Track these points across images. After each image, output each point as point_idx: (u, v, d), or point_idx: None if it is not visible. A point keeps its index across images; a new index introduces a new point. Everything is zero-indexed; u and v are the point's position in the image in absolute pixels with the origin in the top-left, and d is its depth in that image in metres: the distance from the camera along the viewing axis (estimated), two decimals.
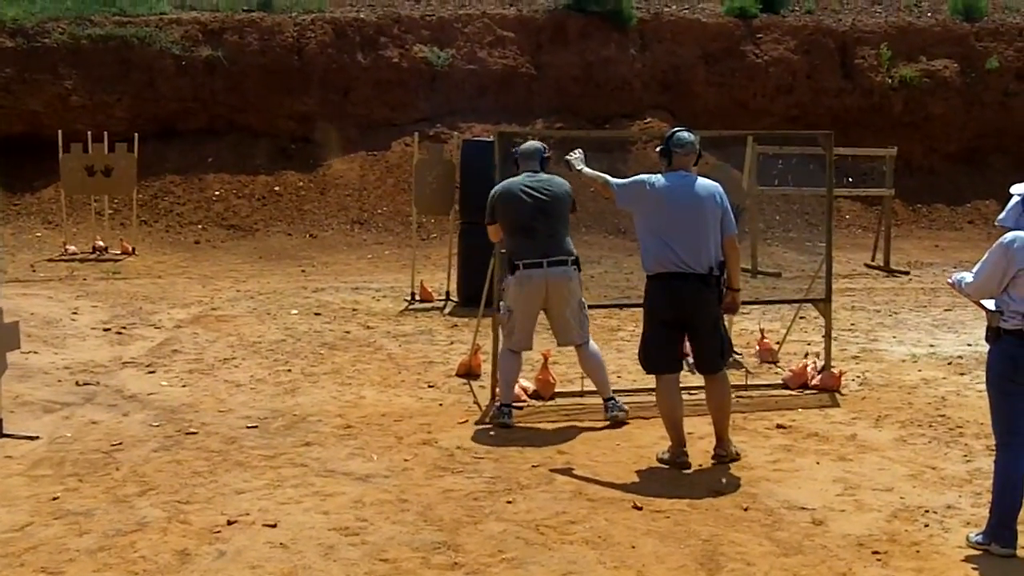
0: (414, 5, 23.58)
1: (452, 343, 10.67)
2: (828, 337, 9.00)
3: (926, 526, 5.73)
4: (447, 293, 13.37)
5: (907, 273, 16.98)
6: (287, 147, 21.87)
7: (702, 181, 6.85)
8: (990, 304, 5.41)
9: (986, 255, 5.37)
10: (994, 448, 5.55)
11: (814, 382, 8.84)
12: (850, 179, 18.55)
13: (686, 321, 6.78)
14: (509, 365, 7.91)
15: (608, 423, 7.74)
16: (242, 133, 21.73)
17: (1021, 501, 5.38)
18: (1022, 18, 24.17)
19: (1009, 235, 5.27)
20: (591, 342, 8.04)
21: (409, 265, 14.46)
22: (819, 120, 22.38)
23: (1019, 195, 5.32)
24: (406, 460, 6.77)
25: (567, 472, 6.58)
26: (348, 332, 11.13)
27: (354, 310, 12.54)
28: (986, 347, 5.46)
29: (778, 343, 10.26)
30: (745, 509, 5.95)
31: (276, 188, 21.10)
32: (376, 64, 22.13)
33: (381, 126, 22.01)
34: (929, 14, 24.40)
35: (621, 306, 12.03)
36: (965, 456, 7.01)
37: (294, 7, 22.72)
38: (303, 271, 16.51)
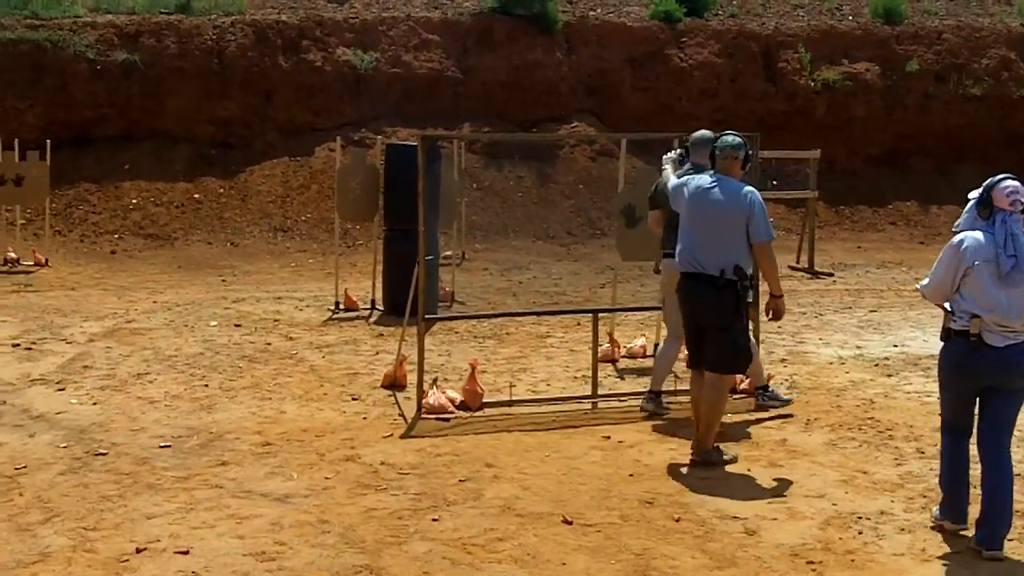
0: (337, 7, 23.26)
1: (377, 353, 10.43)
2: (757, 342, 8.89)
3: (860, 533, 5.63)
4: (372, 302, 13.12)
5: (831, 275, 17.04)
6: (207, 153, 21.42)
7: (733, 185, 6.86)
8: (948, 305, 5.60)
9: (939, 257, 5.58)
10: (920, 452, 5.49)
11: (742, 386, 8.74)
12: (775, 182, 18.56)
13: (698, 319, 6.93)
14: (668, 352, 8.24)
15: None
16: (160, 139, 21.20)
17: (967, 486, 5.66)
18: (941, 21, 24.42)
19: (958, 236, 5.50)
20: None
21: (334, 273, 14.19)
22: (744, 123, 22.30)
23: (972, 199, 5.53)
24: (327, 478, 6.53)
25: (495, 486, 6.38)
26: (269, 344, 10.85)
27: (276, 320, 12.24)
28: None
29: None
30: (677, 520, 5.81)
31: (196, 195, 20.65)
32: (298, 68, 21.76)
33: (304, 131, 21.65)
34: (851, 17, 24.57)
35: (547, 313, 11.81)
36: (896, 460, 6.94)
37: (213, 9, 22.29)
38: (223, 280, 16.17)
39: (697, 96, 23.04)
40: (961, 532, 5.68)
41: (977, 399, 5.61)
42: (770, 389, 8.26)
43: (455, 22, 22.87)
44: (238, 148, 21.58)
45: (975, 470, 5.70)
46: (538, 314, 11.66)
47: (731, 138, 6.96)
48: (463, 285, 14.97)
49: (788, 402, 8.19)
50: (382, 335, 11.29)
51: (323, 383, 9.17)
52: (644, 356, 10.32)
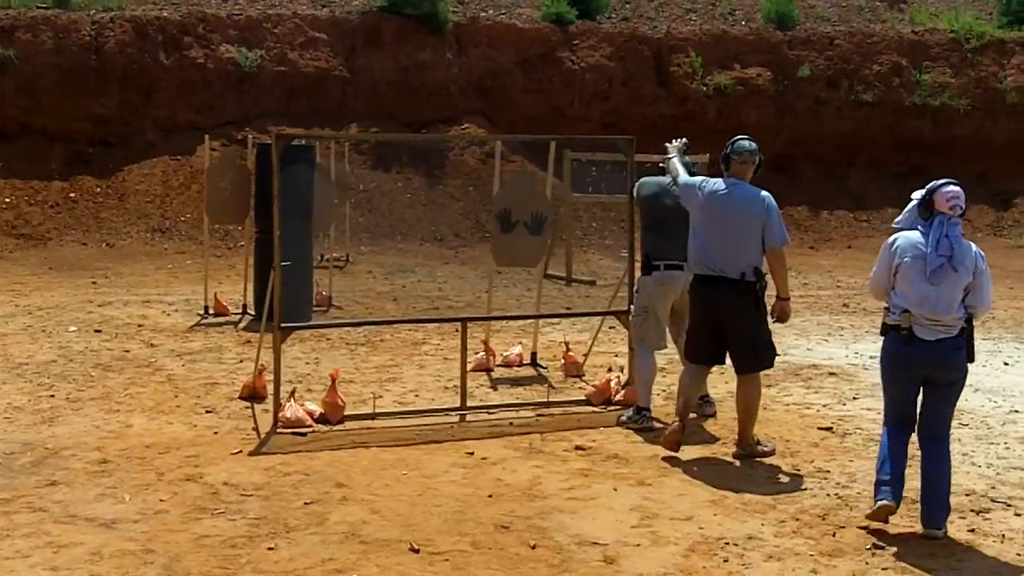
0: (221, 4, 22.63)
1: (241, 361, 9.93)
2: (631, 350, 8.59)
3: (725, 561, 5.30)
4: (244, 306, 12.59)
5: None
6: (84, 151, 20.70)
7: (750, 190, 6.97)
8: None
9: (878, 255, 5.90)
10: (796, 469, 5.23)
11: (618, 398, 8.43)
12: None
13: (717, 322, 6.98)
14: (645, 366, 7.96)
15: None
16: (35, 136, 20.47)
17: (902, 474, 5.83)
18: (833, 27, 24.52)
19: (892, 236, 5.85)
20: None
21: (211, 276, 13.61)
22: (635, 127, 22.10)
23: (915, 199, 5.79)
24: (162, 500, 6.03)
25: (343, 509, 5.94)
26: (128, 351, 10.28)
27: (140, 326, 11.66)
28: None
29: (584, 355, 9.85)
30: (533, 547, 5.42)
31: (71, 195, 19.91)
32: (180, 65, 21.17)
33: (185, 130, 20.96)
34: (743, 22, 24.56)
35: (412, 321, 11.36)
36: (769, 477, 6.66)
37: (92, 4, 21.49)
38: (94, 283, 15.48)
39: (588, 99, 22.84)
40: (889, 506, 5.74)
41: (918, 392, 5.84)
42: (644, 413, 7.87)
43: (343, 20, 22.39)
44: (117, 146, 20.88)
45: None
46: (403, 322, 11.20)
47: (747, 143, 7.06)
48: (343, 289, 14.52)
49: (651, 430, 7.74)
50: (249, 342, 10.76)
51: (178, 394, 8.65)
52: (520, 365, 9.97)
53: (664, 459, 6.98)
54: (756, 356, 7.03)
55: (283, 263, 7.90)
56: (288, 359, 9.99)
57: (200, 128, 20.76)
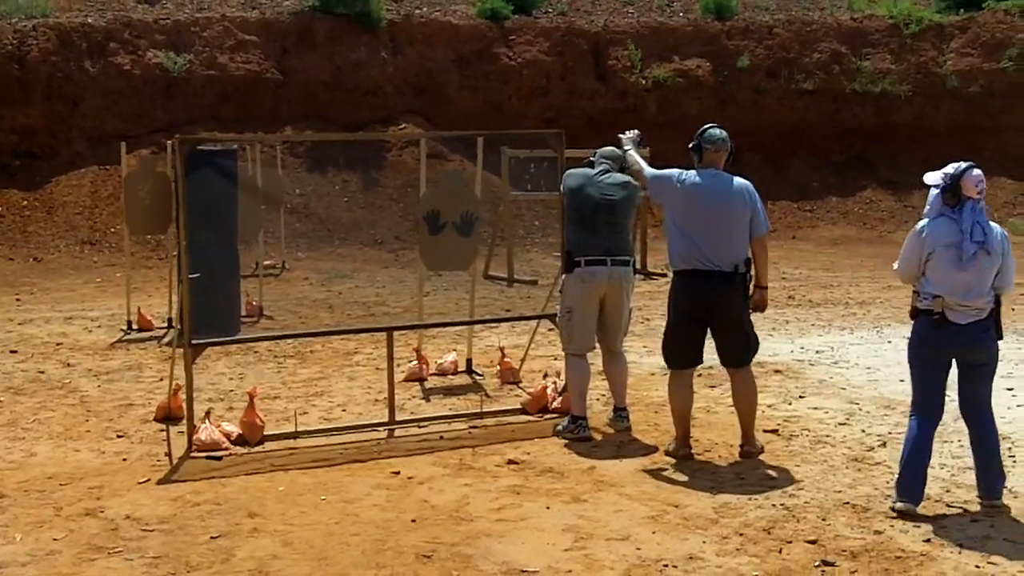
0: (147, 8, 22.03)
1: (161, 379, 9.40)
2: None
3: None
4: (169, 320, 12.07)
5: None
6: (9, 163, 20.05)
7: (730, 179, 6.83)
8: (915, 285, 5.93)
9: (905, 242, 5.92)
10: (740, 479, 5.47)
11: (555, 405, 8.03)
12: None
13: (710, 318, 6.78)
14: (577, 372, 7.59)
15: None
16: None
17: (927, 467, 5.84)
18: (771, 16, 24.29)
19: (920, 223, 5.88)
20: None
21: (141, 289, 13.10)
22: (574, 122, 21.82)
23: (934, 185, 5.81)
24: (56, 540, 5.55)
25: (251, 543, 5.49)
26: (42, 372, 9.76)
27: (58, 344, 11.12)
28: None
29: (521, 361, 9.46)
30: None
31: None
32: (106, 72, 20.57)
33: (114, 138, 20.22)
34: (681, 14, 24.28)
35: (333, 333, 10.92)
36: (712, 488, 6.27)
37: (14, 12, 20.80)
38: (18, 299, 14.86)
39: (527, 95, 22.51)
40: (912, 512, 5.73)
41: (946, 377, 5.88)
42: (579, 422, 7.47)
43: (273, 22, 21.88)
44: (43, 158, 20.26)
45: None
46: (322, 334, 10.64)
47: (718, 131, 6.89)
48: (277, 298, 14.06)
49: (587, 440, 7.37)
50: (170, 358, 10.23)
51: (89, 418, 8.15)
52: (455, 373, 9.55)
53: (601, 472, 6.59)
54: (749, 348, 6.89)
55: (192, 275, 7.37)
56: (211, 375, 9.59)
57: (129, 136, 20.21)
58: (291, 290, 15.24)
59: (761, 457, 6.88)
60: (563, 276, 7.62)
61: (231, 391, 8.99)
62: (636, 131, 7.75)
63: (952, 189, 5.72)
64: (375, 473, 6.64)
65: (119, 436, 7.64)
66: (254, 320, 12.49)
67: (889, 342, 10.67)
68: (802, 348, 10.50)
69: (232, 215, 11.57)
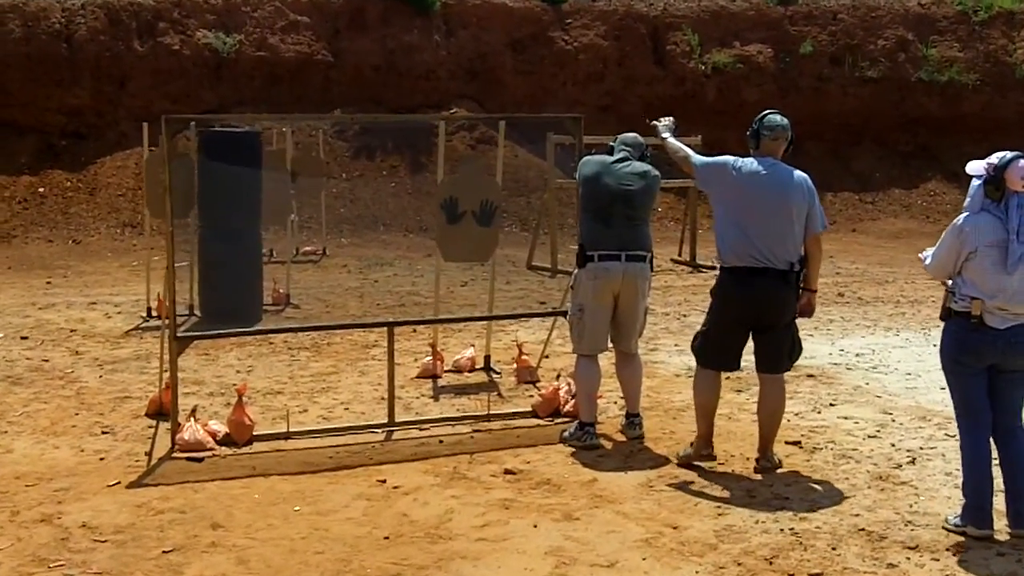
0: None
1: (167, 370, 9.04)
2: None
3: None
4: (190, 308, 11.72)
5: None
6: (55, 144, 19.91)
7: (790, 170, 6.38)
8: (950, 283, 5.44)
9: (942, 236, 5.42)
10: (751, 496, 4.79)
11: (567, 408, 7.53)
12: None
13: (759, 319, 6.30)
14: (587, 374, 7.05)
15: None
16: (5, 129, 19.64)
17: (992, 480, 5.33)
18: (836, 1, 23.43)
19: (961, 218, 5.34)
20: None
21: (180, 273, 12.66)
22: (631, 108, 21.38)
23: (977, 176, 5.31)
24: (1, 549, 5.17)
25: (205, 560, 5.07)
26: (47, 360, 9.44)
27: (73, 331, 10.82)
28: None
29: (546, 357, 8.98)
30: None
31: (40, 190, 19.11)
32: (155, 52, 20.28)
33: (161, 120, 20.10)
34: None
35: (327, 328, 10.40)
36: (718, 508, 5.74)
37: None
38: (49, 283, 14.62)
39: (583, 80, 21.93)
40: (989, 538, 5.25)
41: (985, 382, 5.40)
42: (587, 429, 6.97)
43: (325, 3, 21.46)
44: (89, 138, 20.06)
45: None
46: (317, 329, 10.14)
47: (779, 117, 6.43)
48: (311, 285, 13.72)
49: (595, 448, 6.87)
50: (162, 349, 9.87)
51: (80, 411, 7.80)
52: (472, 370, 9.09)
53: (601, 486, 6.09)
54: (792, 354, 6.47)
55: (179, 264, 6.97)
56: (219, 367, 9.23)
57: (177, 118, 20.01)
58: (327, 278, 14.86)
59: (778, 472, 6.34)
60: (575, 271, 7.11)
61: (235, 385, 8.56)
62: (671, 117, 7.24)
63: (995, 181, 5.21)
64: (360, 481, 6.20)
65: (104, 432, 7.27)
66: (280, 308, 12.12)
67: (935, 345, 9.91)
68: (842, 351, 9.88)
69: (254, 199, 11.22)
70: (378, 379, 8.77)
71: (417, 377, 8.80)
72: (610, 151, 7.16)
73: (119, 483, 6.18)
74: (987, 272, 5.22)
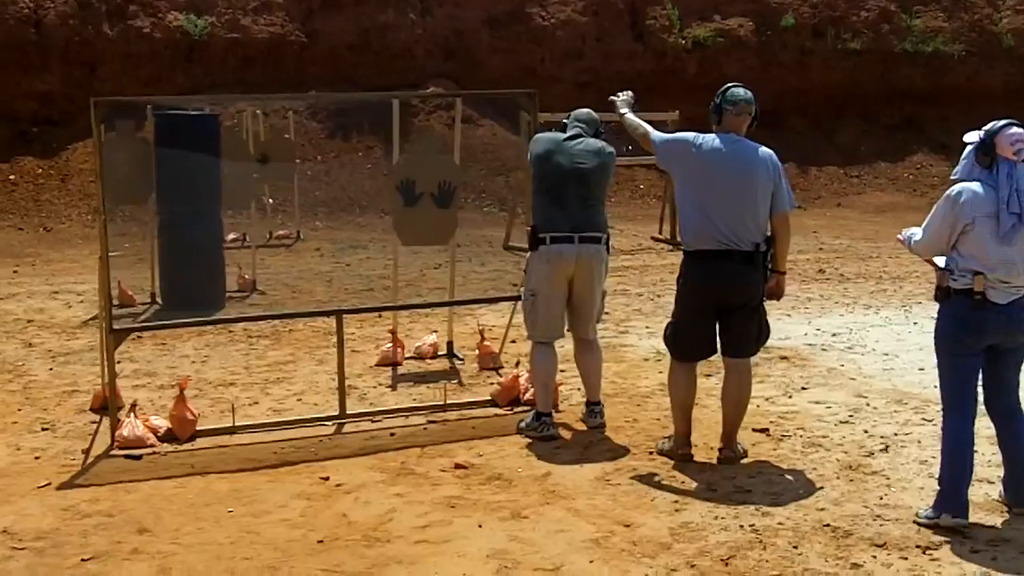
0: None
1: (120, 362, 8.71)
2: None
3: None
4: (152, 295, 11.41)
5: None
6: (26, 131, 19.58)
7: (755, 147, 5.98)
8: (940, 261, 5.17)
9: (933, 209, 5.15)
10: (711, 489, 4.20)
11: (527, 397, 7.22)
12: (630, 147, 17.07)
13: (726, 302, 5.98)
14: (543, 362, 6.73)
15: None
16: None
17: (972, 468, 5.13)
18: None
19: (956, 187, 5.06)
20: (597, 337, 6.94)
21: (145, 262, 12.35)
22: (611, 85, 20.50)
23: (970, 143, 5.08)
24: None
25: (124, 569, 4.76)
26: None
27: (30, 321, 10.51)
28: None
29: (512, 342, 8.68)
30: None
31: (11, 177, 18.82)
32: (125, 36, 19.95)
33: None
34: None
35: (267, 318, 10.00)
36: (676, 503, 5.44)
37: None
38: (15, 271, 14.30)
39: (560, 57, 21.62)
40: (963, 527, 4.98)
41: (980, 366, 5.15)
42: (544, 419, 6.67)
43: None
44: (61, 125, 19.68)
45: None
46: (258, 319, 9.81)
47: (742, 91, 6.01)
48: (280, 270, 13.42)
49: (553, 439, 6.57)
50: (139, 338, 9.57)
51: (24, 406, 7.49)
52: (434, 356, 8.79)
53: (554, 480, 5.79)
54: (759, 337, 6.15)
55: (113, 253, 6.67)
56: (174, 358, 8.93)
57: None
58: (298, 262, 14.56)
59: (743, 463, 6.05)
60: (528, 254, 6.79)
61: (188, 376, 8.25)
62: (629, 92, 6.89)
63: (985, 147, 4.98)
64: (302, 479, 5.90)
65: (44, 429, 6.96)
66: (245, 295, 11.81)
67: (915, 323, 9.76)
68: (818, 331, 9.59)
69: (214, 183, 10.89)
70: (335, 368, 8.46)
71: (377, 365, 8.50)
72: (563, 128, 6.84)
73: (50, 484, 5.88)
74: (987, 244, 4.95)
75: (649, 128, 6.33)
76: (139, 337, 9.52)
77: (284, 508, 5.44)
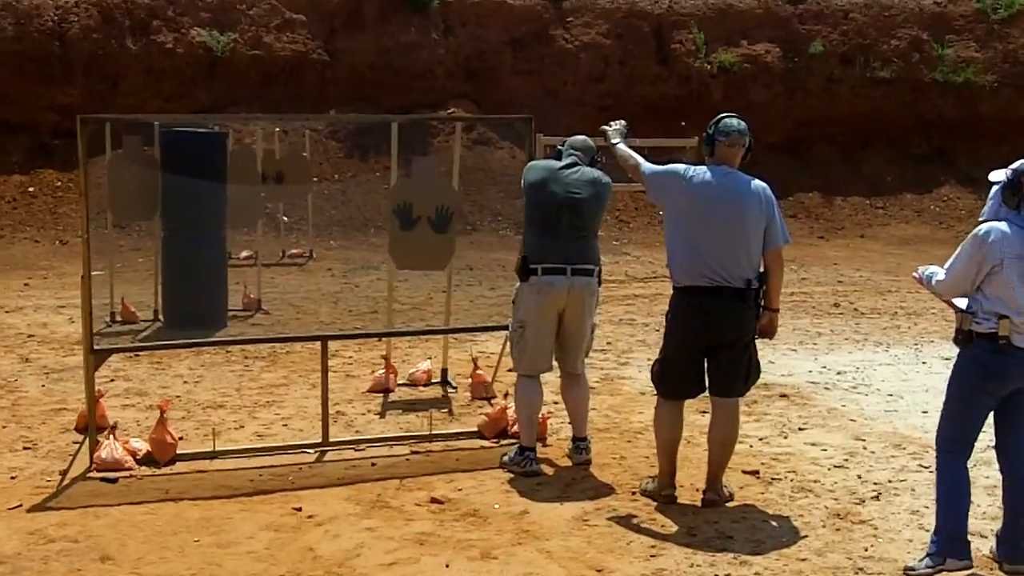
0: None
1: (113, 380, 8.67)
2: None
3: None
4: (155, 312, 11.34)
5: None
6: (47, 143, 19.60)
7: (746, 180, 5.80)
8: (962, 303, 4.99)
9: (959, 249, 4.95)
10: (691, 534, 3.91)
11: (514, 430, 7.06)
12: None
13: (714, 341, 5.80)
14: (527, 396, 6.56)
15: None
16: None
17: (968, 510, 4.96)
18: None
19: (984, 226, 4.89)
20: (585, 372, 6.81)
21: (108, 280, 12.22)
22: (634, 109, 20.85)
23: (996, 182, 4.92)
24: None
25: None
26: None
27: (30, 336, 10.46)
28: None
29: (494, 374, 8.50)
30: None
31: (31, 189, 18.85)
32: (148, 50, 19.94)
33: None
34: None
35: (249, 342, 9.86)
36: (652, 548, 5.26)
37: None
38: (27, 284, 14.29)
39: (584, 80, 21.48)
40: (970, 567, 4.86)
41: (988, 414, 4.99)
42: (527, 454, 6.50)
43: (321, 1, 21.04)
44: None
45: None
46: (238, 343, 9.66)
47: (735, 120, 5.84)
48: (288, 290, 13.33)
49: (535, 475, 6.41)
50: (135, 356, 9.49)
51: (9, 424, 7.41)
52: (428, 384, 8.65)
53: (531, 519, 5.64)
54: (748, 377, 5.95)
55: (96, 271, 6.57)
56: (167, 378, 8.84)
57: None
58: (307, 282, 14.46)
59: (728, 506, 5.87)
60: (517, 284, 6.64)
61: (178, 397, 8.18)
62: (623, 121, 6.71)
63: (1013, 186, 4.83)
64: (275, 508, 5.77)
65: (26, 448, 6.88)
66: (250, 315, 11.71)
67: (924, 363, 9.54)
68: (824, 368, 9.38)
69: (217, 201, 10.79)
70: (328, 392, 8.34)
71: (369, 391, 8.37)
72: (558, 155, 6.70)
73: (20, 506, 5.78)
74: (1015, 286, 4.80)
75: (640, 160, 6.16)
76: (136, 356, 9.46)
77: (251, 539, 5.31)
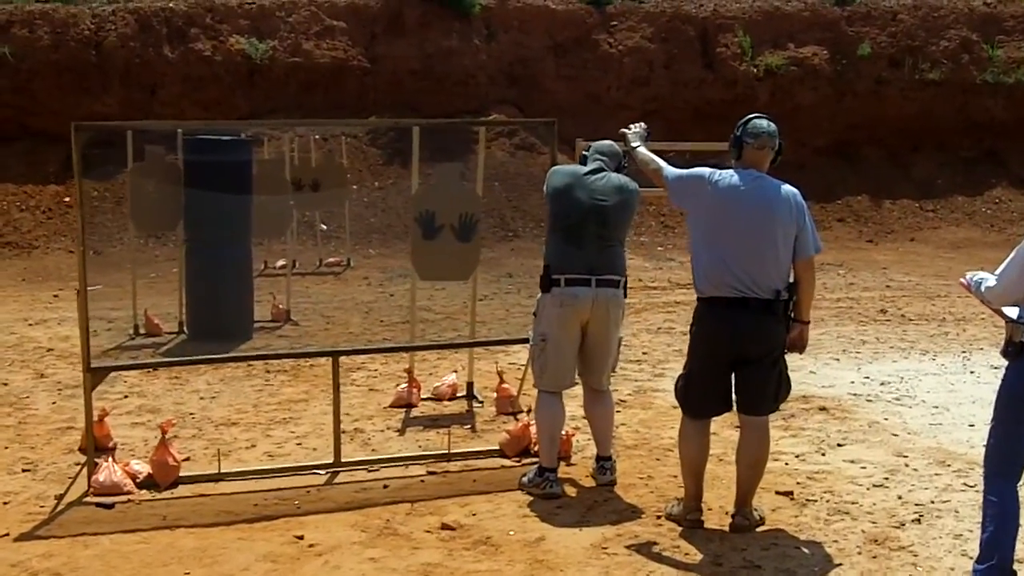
0: None
1: (126, 397, 8.41)
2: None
3: None
4: (180, 324, 11.09)
5: None
6: (85, 152, 19.28)
7: (776, 184, 5.44)
8: (1012, 313, 4.61)
9: (1012, 255, 4.60)
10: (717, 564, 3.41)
11: (536, 448, 6.68)
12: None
13: (741, 356, 5.43)
14: (548, 413, 6.19)
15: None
16: (34, 138, 19.32)
17: (1016, 536, 4.58)
18: (896, 1, 22.32)
19: None
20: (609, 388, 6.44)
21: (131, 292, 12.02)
22: (679, 113, 20.60)
23: None
24: None
25: None
26: (6, 384, 8.85)
27: (50, 350, 10.25)
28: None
29: (519, 388, 8.14)
30: None
31: (66, 199, 18.74)
32: (186, 58, 19.80)
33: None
34: None
35: (249, 359, 9.30)
36: None
37: None
38: (56, 295, 14.16)
39: (628, 84, 21.08)
40: None
41: None
42: (547, 475, 6.13)
43: (362, 6, 20.84)
44: (119, 146, 19.53)
45: None
46: (243, 360, 9.21)
47: (764, 122, 5.49)
48: (321, 299, 13.05)
49: (556, 496, 6.04)
50: (156, 369, 9.23)
51: (12, 444, 7.15)
52: (453, 398, 8.30)
53: (547, 547, 5.26)
54: (778, 394, 5.57)
55: (92, 287, 6.29)
56: (183, 393, 8.56)
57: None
58: (342, 291, 14.18)
59: (758, 531, 5.47)
60: (539, 296, 6.27)
61: (192, 414, 7.89)
62: (643, 124, 6.34)
63: None
64: (274, 536, 5.43)
65: (25, 470, 6.60)
66: (279, 325, 11.43)
67: (971, 372, 9.06)
68: (867, 378, 8.92)
69: (243, 210, 10.52)
70: (348, 407, 8.03)
71: (391, 406, 8.04)
72: (583, 161, 6.33)
73: (8, 535, 5.48)
74: None
75: (662, 163, 5.78)
76: (153, 370, 9.20)
77: (246, 572, 4.98)
